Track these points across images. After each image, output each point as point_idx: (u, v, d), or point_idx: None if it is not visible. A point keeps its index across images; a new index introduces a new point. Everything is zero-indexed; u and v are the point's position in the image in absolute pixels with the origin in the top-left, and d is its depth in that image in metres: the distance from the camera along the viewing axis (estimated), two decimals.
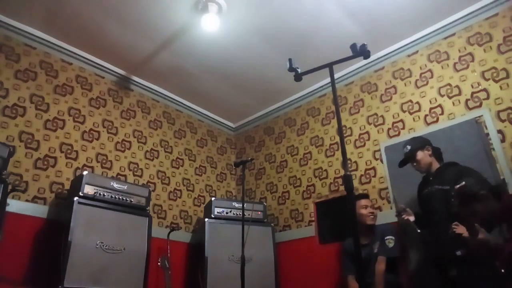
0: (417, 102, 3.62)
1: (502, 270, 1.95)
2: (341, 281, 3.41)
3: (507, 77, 3.11)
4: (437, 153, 2.81)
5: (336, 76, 2.51)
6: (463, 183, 2.16)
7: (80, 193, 3.01)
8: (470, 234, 2.13)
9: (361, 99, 4.09)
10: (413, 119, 3.60)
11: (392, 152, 3.57)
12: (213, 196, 4.49)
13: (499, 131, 3.02)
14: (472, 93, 3.28)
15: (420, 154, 2.74)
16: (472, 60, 3.36)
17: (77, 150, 3.63)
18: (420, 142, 2.83)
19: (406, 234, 3.06)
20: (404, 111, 3.70)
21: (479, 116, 3.14)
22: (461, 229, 2.28)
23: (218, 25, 3.37)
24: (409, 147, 2.80)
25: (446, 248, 2.40)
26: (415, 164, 2.78)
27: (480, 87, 3.25)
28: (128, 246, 3.13)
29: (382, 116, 3.85)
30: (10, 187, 2.66)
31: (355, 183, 3.74)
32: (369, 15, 3.46)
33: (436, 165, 2.76)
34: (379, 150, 3.73)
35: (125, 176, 3.92)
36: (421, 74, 3.68)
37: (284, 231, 4.26)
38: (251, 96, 4.75)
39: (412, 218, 2.79)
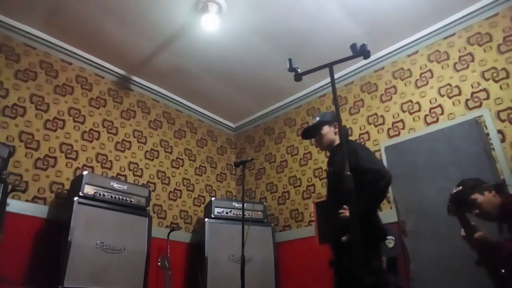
0: (417, 102, 3.62)
1: (502, 270, 1.95)
2: None
3: (507, 77, 3.11)
4: (343, 133, 2.42)
5: (336, 76, 2.51)
6: (460, 188, 2.15)
7: (80, 193, 3.02)
8: (467, 233, 2.12)
9: (361, 99, 4.09)
10: (413, 119, 3.60)
11: (392, 152, 3.57)
12: (213, 196, 4.49)
13: (499, 131, 3.02)
14: (472, 93, 3.28)
15: (326, 129, 2.46)
16: (472, 60, 3.36)
17: (77, 150, 3.63)
18: (330, 117, 2.53)
19: None
20: (404, 111, 3.70)
21: (479, 116, 3.15)
22: (348, 213, 1.91)
23: (218, 25, 3.38)
24: (317, 118, 2.51)
25: (336, 234, 2.16)
26: (317, 138, 2.50)
27: (480, 87, 3.24)
28: (128, 246, 3.13)
29: (382, 116, 3.85)
30: (10, 187, 2.66)
31: None
32: (369, 15, 3.46)
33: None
34: (379, 150, 3.73)
35: (125, 176, 3.92)
36: (421, 74, 3.67)
37: (284, 231, 4.26)
38: (251, 96, 4.75)
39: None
